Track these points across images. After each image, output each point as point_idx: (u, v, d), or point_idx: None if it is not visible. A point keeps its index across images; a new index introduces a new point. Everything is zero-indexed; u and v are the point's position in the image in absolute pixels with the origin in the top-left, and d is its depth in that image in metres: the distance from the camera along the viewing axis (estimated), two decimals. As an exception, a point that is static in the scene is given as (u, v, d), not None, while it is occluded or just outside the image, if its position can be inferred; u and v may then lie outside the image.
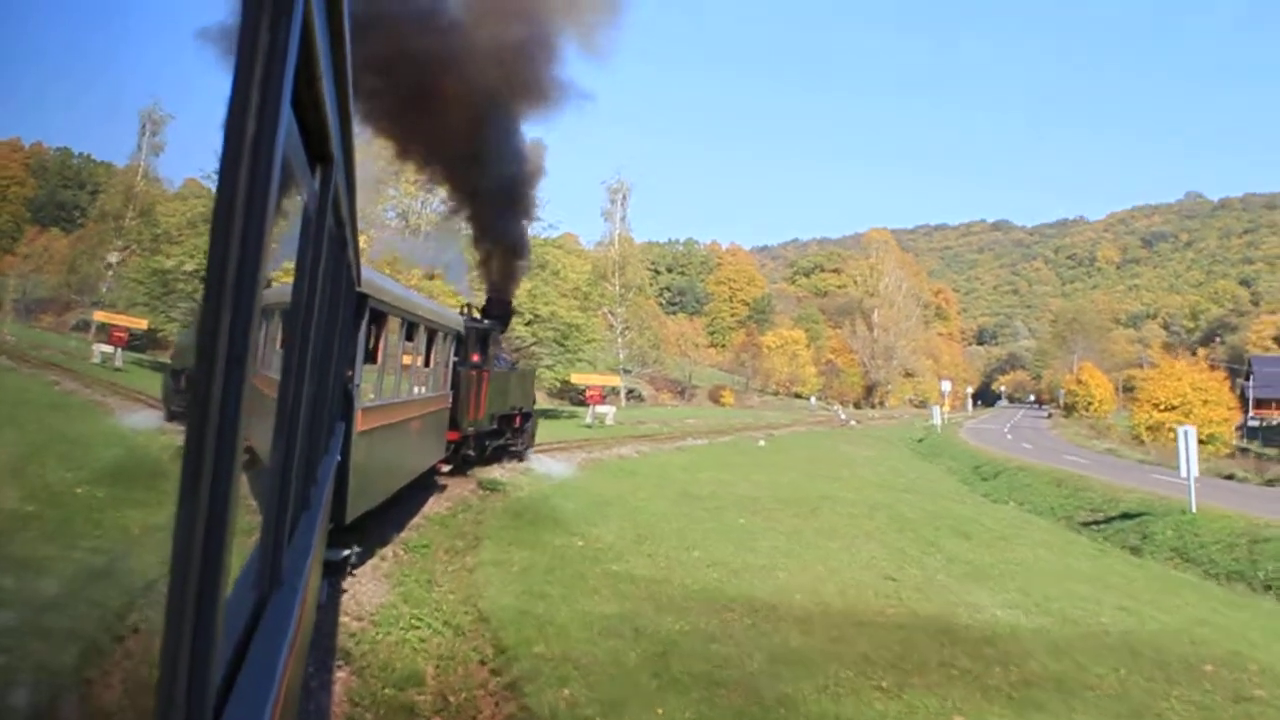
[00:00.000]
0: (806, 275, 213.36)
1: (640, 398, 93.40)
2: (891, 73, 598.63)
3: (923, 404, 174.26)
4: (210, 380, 1.61)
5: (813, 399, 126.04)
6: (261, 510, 3.11)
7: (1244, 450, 67.57)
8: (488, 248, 31.23)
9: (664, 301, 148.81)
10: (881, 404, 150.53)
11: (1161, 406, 67.51)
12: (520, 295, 64.73)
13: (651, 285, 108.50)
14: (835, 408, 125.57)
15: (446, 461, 22.80)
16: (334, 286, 5.46)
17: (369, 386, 13.47)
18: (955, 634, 12.04)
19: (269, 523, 3.11)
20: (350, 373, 11.87)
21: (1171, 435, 68.01)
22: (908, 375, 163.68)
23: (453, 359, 21.68)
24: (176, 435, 1.73)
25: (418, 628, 11.34)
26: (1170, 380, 68.04)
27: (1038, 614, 13.74)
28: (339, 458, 10.26)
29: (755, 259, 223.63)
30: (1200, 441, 68.05)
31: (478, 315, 27.40)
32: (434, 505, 19.92)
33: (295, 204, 2.98)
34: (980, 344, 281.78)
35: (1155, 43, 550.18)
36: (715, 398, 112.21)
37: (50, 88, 1.29)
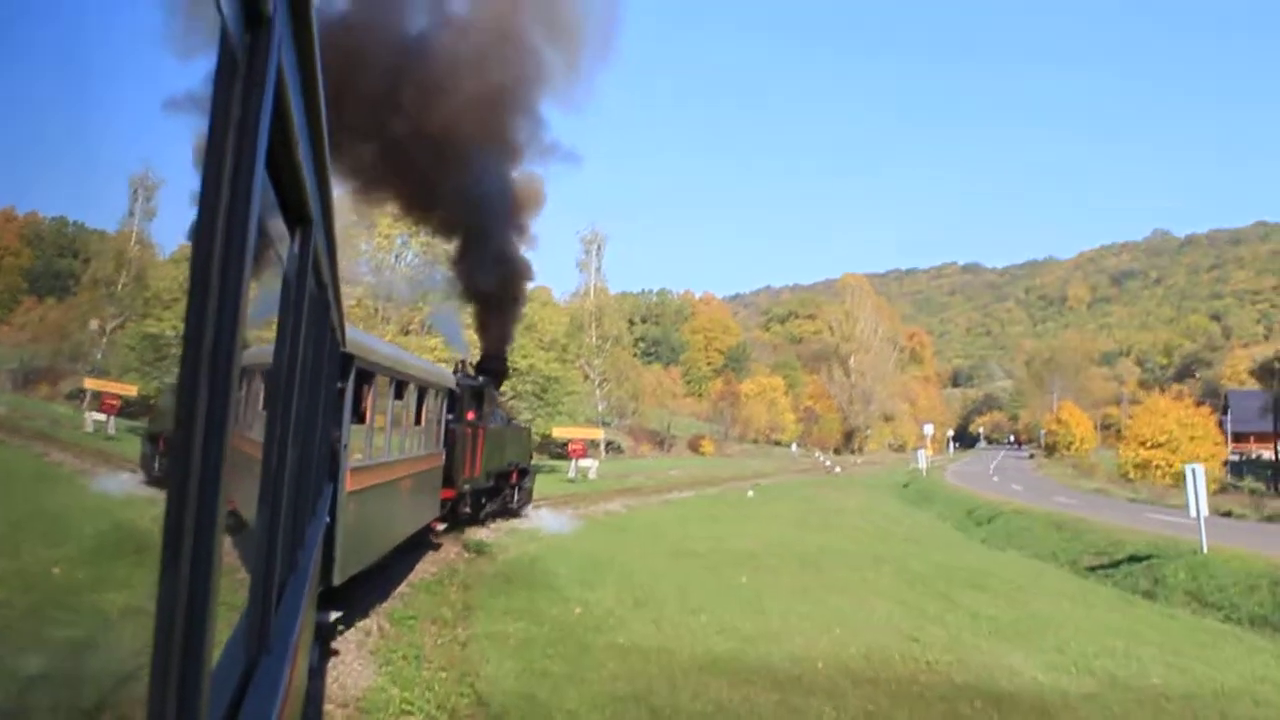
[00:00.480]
0: (781, 322, 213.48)
1: (620, 449, 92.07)
2: (858, 118, 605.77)
3: (901, 448, 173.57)
4: (190, 446, 1.63)
5: (794, 446, 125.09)
6: (249, 575, 3.09)
7: (1235, 486, 67.00)
8: (480, 305, 31.24)
9: (639, 352, 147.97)
10: (860, 449, 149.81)
11: (1148, 444, 66.95)
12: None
13: (627, 336, 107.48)
14: (817, 454, 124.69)
15: (442, 520, 22.34)
16: (317, 347, 5.43)
17: (357, 446, 13.28)
18: (1003, 704, 10.93)
19: (256, 588, 3.10)
20: (337, 433, 11.86)
21: (1159, 472, 67.79)
22: (886, 419, 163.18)
23: (446, 416, 21.41)
24: (157, 501, 1.74)
25: (410, 713, 10.22)
26: (1156, 417, 67.55)
27: (1081, 675, 12.65)
28: (327, 519, 10.19)
29: (729, 307, 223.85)
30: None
31: (471, 372, 27.35)
32: (419, 570, 18.86)
33: (274, 266, 2.95)
34: (956, 386, 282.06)
35: (1116, 81, 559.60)
36: (695, 447, 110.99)
37: (45, 158, 1.29)
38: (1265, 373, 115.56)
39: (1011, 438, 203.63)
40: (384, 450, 14.86)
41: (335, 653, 11.96)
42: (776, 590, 18.67)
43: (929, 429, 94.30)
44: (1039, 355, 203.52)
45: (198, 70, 1.78)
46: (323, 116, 2.93)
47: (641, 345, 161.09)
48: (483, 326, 31.51)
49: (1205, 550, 26.08)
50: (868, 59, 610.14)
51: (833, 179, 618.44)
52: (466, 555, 22.28)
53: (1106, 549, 30.70)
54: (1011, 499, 50.33)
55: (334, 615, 12.22)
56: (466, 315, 37.07)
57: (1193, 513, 26.85)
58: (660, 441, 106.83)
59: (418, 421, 18.13)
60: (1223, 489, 67.50)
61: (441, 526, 22.65)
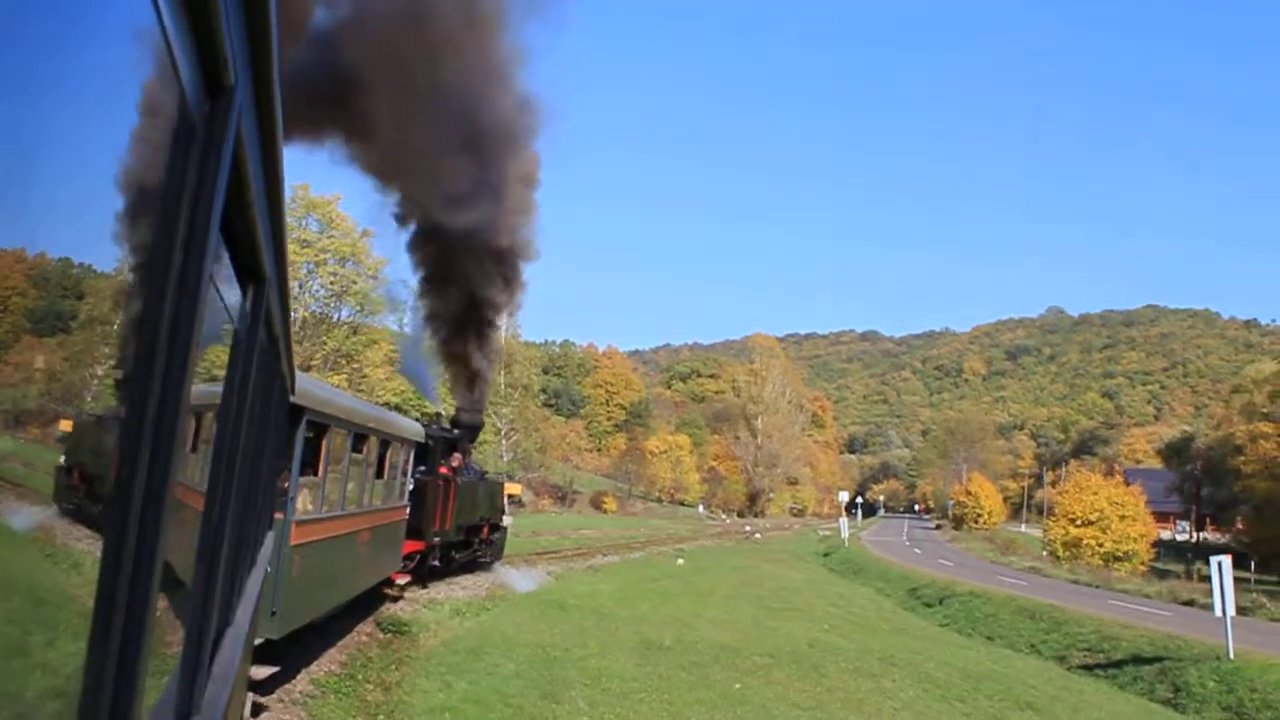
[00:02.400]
0: (683, 380, 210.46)
1: (521, 504, 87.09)
2: (760, 180, 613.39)
3: (801, 512, 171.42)
4: (129, 500, 1.64)
5: (700, 507, 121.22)
6: (182, 629, 2.99)
7: (1164, 571, 64.91)
8: (457, 362, 31.21)
9: (539, 404, 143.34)
10: (763, 512, 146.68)
11: (1078, 521, 64.53)
12: (406, 392, 59.28)
13: (536, 384, 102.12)
14: (723, 516, 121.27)
15: (406, 573, 21.98)
16: (264, 399, 5.50)
17: (307, 498, 13.11)
18: None
19: (190, 644, 3.04)
20: (286, 484, 11.94)
21: (1088, 552, 65.41)
22: (791, 483, 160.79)
23: (414, 469, 21.71)
24: (80, 545, 1.82)
25: None
26: (1086, 494, 65.18)
27: None
28: (268, 569, 9.83)
29: (628, 362, 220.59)
30: (1116, 559, 65.69)
31: (447, 425, 27.55)
32: (323, 662, 14.48)
33: (224, 320, 2.96)
34: (852, 452, 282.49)
35: (1014, 160, 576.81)
36: (597, 504, 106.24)
37: (54, 199, 1.36)
38: (1172, 453, 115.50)
39: (917, 507, 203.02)
40: (337, 503, 14.57)
41: (265, 709, 11.42)
42: (786, 706, 14.65)
43: (844, 496, 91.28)
44: (944, 425, 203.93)
45: (157, 137, 1.80)
46: (281, 179, 2.98)
47: (543, 396, 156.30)
48: (458, 381, 31.41)
49: (1232, 656, 22.78)
50: (769, 119, 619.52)
51: (735, 240, 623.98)
52: (381, 637, 18.07)
53: (1098, 645, 27.32)
54: (949, 576, 47.10)
55: (267, 672, 11.72)
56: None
57: (1218, 611, 23.62)
58: (562, 497, 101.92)
59: (379, 474, 17.92)
60: (1147, 572, 65.60)
61: (404, 580, 21.97)
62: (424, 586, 23.42)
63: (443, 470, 23.96)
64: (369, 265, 57.92)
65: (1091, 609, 33.58)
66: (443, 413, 29.89)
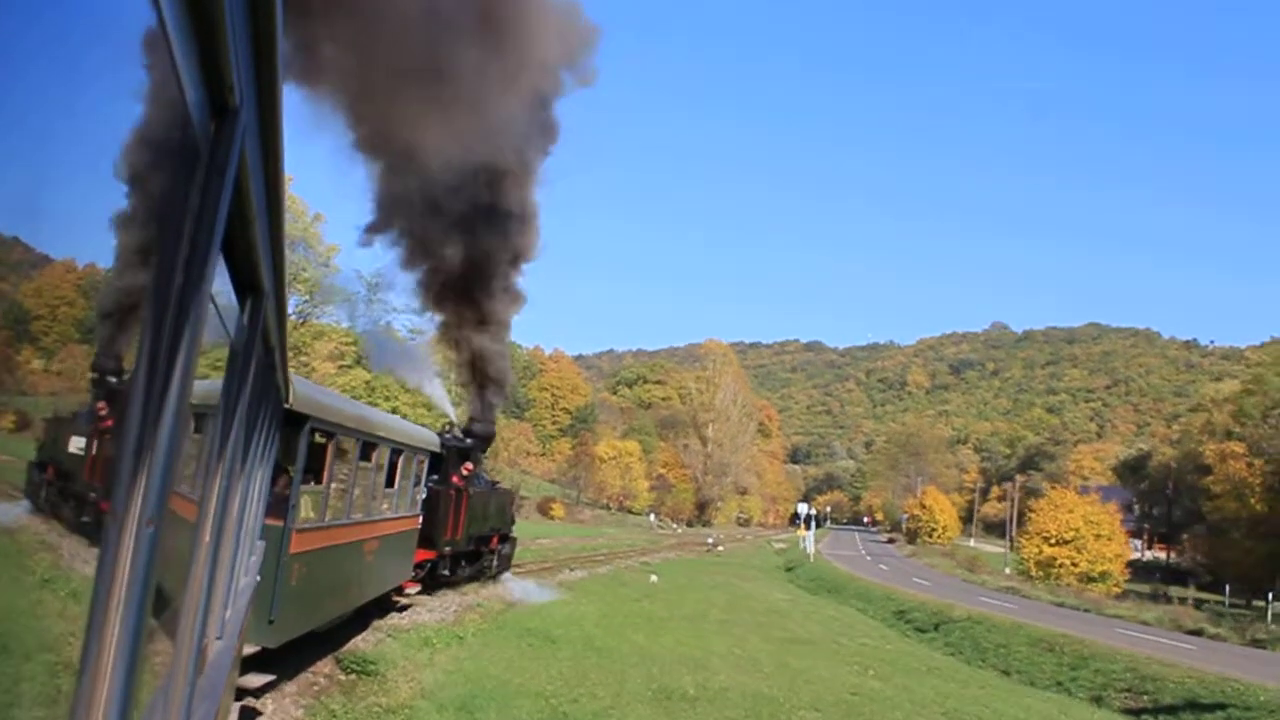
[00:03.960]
0: (630, 386, 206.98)
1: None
2: (706, 189, 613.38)
3: (747, 522, 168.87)
4: (127, 512, 1.68)
5: (651, 516, 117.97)
6: (169, 640, 2.94)
7: (1151, 594, 62.90)
8: (470, 371, 31.00)
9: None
10: (710, 522, 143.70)
11: (1052, 540, 62.28)
12: (357, 387, 55.51)
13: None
14: (673, 525, 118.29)
15: (417, 582, 22.02)
16: (259, 408, 5.59)
17: (309, 506, 12.85)
18: None
19: (179, 653, 3.06)
20: (286, 493, 11.99)
21: (1063, 572, 63.28)
22: (741, 492, 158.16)
23: (427, 478, 21.58)
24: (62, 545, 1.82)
25: None
26: (1061, 512, 62.97)
27: None
28: (258, 578, 9.79)
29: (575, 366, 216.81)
30: (1090, 579, 63.57)
31: (460, 434, 27.36)
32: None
33: (221, 331, 2.97)
34: (795, 463, 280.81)
35: (959, 175, 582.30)
36: (544, 510, 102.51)
37: (61, 216, 1.42)
38: (1128, 471, 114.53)
39: (865, 519, 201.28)
40: (343, 511, 14.43)
41: (258, 713, 11.19)
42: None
43: (803, 508, 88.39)
44: (894, 437, 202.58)
45: (163, 157, 1.84)
46: (282, 196, 2.99)
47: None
48: (471, 391, 31.17)
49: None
50: (713, 127, 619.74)
51: (681, 247, 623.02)
52: (343, 679, 14.89)
53: (1138, 685, 24.61)
54: (927, 596, 44.45)
55: (263, 680, 11.58)
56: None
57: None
58: (510, 502, 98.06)
59: (390, 483, 17.65)
60: (1124, 594, 63.56)
61: (415, 589, 22.02)
62: (430, 595, 23.24)
63: (455, 480, 23.97)
64: (320, 252, 54.08)
65: (1104, 639, 31.04)
66: (455, 421, 29.54)
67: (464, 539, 24.39)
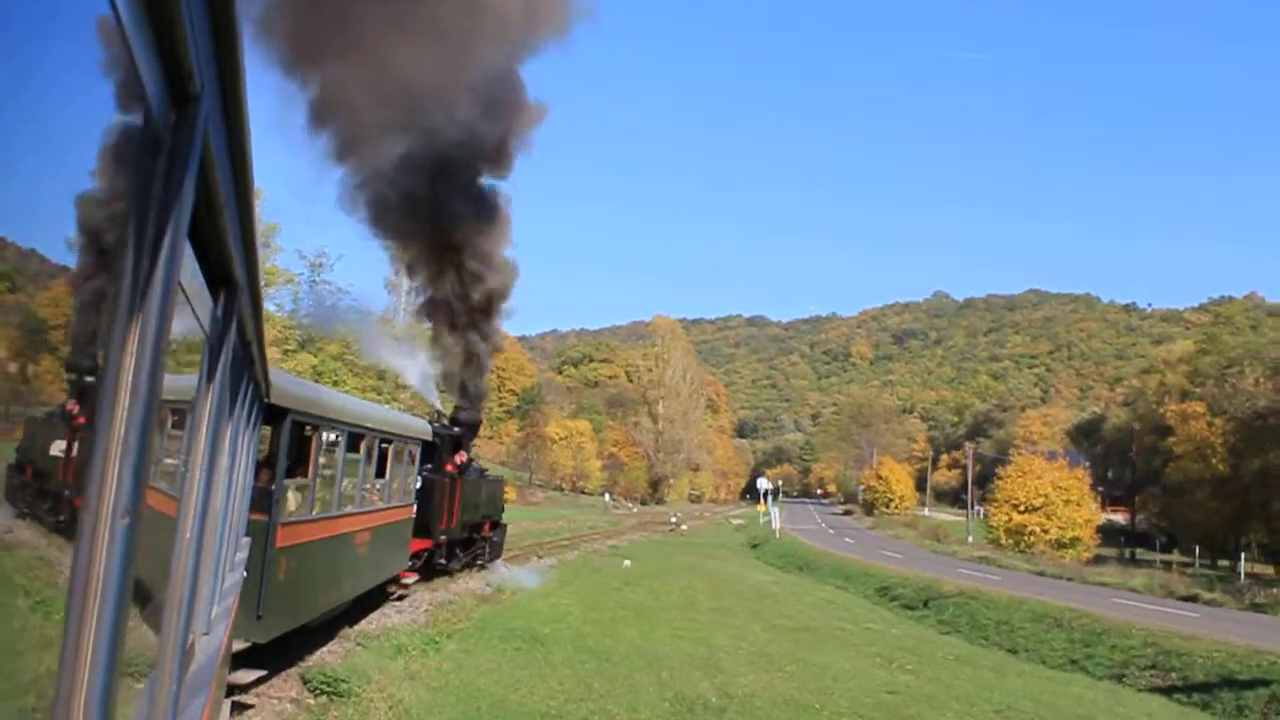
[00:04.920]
0: (575, 365, 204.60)
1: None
2: (644, 165, 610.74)
3: (699, 498, 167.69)
4: (100, 505, 1.68)
5: (606, 496, 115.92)
6: (154, 636, 2.95)
7: (1119, 558, 62.10)
8: (455, 358, 30.39)
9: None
10: (663, 500, 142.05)
11: (1021, 507, 61.15)
12: (304, 372, 52.74)
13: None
14: (628, 505, 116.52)
15: (414, 571, 22.00)
16: (238, 403, 5.54)
17: (292, 499, 12.72)
18: None
19: (164, 651, 3.02)
20: (272, 486, 11.90)
21: (1033, 539, 62.30)
22: (693, 469, 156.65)
23: (421, 467, 21.57)
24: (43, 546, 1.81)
25: None
26: (1030, 479, 61.84)
27: None
28: (244, 574, 9.55)
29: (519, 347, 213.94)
30: (1062, 545, 62.65)
31: (447, 422, 27.12)
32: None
33: (194, 325, 2.93)
34: (742, 437, 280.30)
35: (896, 144, 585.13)
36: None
37: (20, 207, 1.42)
38: (1081, 435, 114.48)
39: (818, 491, 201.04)
40: (331, 503, 14.37)
41: (250, 705, 11.08)
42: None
43: (764, 484, 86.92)
44: (846, 408, 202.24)
45: (123, 147, 1.81)
46: (250, 185, 2.93)
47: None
48: (460, 378, 30.19)
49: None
50: (650, 102, 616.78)
51: (620, 225, 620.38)
52: (312, 703, 12.69)
53: (1162, 661, 23.00)
54: (906, 570, 42.99)
55: (253, 676, 11.58)
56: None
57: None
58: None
59: (380, 473, 17.69)
60: (1096, 559, 62.74)
61: (412, 579, 21.93)
62: (450, 577, 24.17)
63: (449, 468, 24.04)
64: (261, 232, 51.07)
65: (1101, 609, 29.62)
66: (442, 410, 29.32)
67: (459, 527, 24.49)
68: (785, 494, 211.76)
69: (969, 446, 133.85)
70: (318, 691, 13.30)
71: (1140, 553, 73.40)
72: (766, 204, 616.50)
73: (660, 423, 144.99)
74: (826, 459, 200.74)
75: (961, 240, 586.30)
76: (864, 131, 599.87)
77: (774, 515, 70.13)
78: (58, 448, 1.85)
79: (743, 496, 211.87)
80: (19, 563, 1.72)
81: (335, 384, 46.81)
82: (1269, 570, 60.02)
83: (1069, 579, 44.41)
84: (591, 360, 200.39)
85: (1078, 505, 60.96)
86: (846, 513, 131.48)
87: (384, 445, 17.58)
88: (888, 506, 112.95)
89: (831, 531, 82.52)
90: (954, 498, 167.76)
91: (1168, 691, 21.73)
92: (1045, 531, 60.19)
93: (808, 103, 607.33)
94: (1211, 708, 20.08)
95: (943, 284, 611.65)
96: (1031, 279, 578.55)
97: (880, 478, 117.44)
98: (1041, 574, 46.69)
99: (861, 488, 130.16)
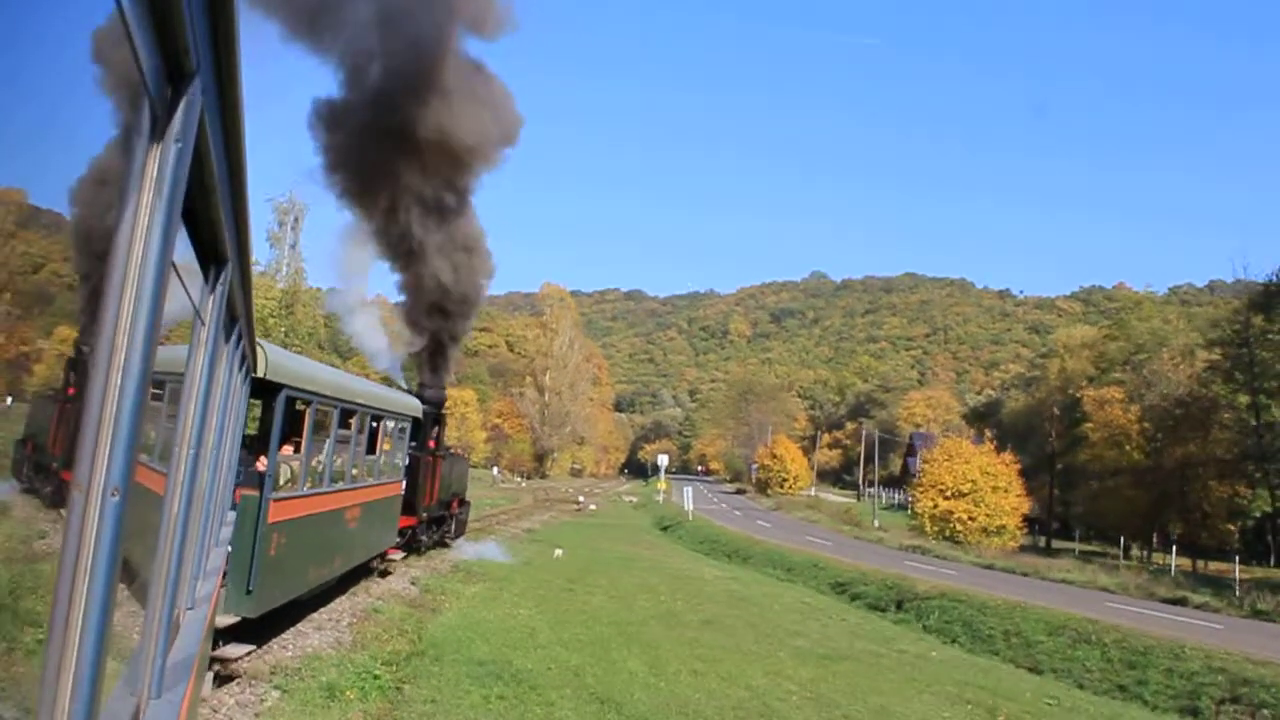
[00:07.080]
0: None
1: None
2: (519, 139, 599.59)
3: (580, 473, 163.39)
4: (90, 482, 1.69)
5: (495, 470, 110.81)
6: (142, 612, 2.98)
7: (1031, 547, 59.69)
8: (425, 336, 29.83)
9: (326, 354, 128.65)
10: (547, 475, 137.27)
11: (948, 493, 58.28)
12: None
13: (323, 332, 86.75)
14: (515, 478, 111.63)
15: (400, 548, 22.13)
16: (227, 378, 5.49)
17: (285, 475, 12.76)
18: None
19: (149, 625, 3.02)
20: (264, 463, 11.99)
21: (958, 526, 59.59)
22: (580, 443, 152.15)
23: (409, 444, 21.61)
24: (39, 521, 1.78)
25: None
26: (957, 463, 58.97)
27: None
28: (230, 548, 9.83)
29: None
30: (989, 533, 60.07)
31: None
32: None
33: (184, 301, 2.93)
34: (620, 411, 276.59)
35: (771, 123, 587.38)
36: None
37: (14, 183, 1.48)
38: (976, 417, 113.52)
39: (701, 468, 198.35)
40: (322, 479, 14.36)
41: (236, 676, 10.84)
42: None
43: (664, 459, 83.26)
44: (736, 384, 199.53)
45: (118, 122, 1.84)
46: (244, 163, 2.94)
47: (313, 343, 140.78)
48: (426, 358, 29.76)
49: None
50: (522, 72, 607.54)
51: (495, 193, 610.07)
52: None
53: (1245, 693, 19.51)
54: (842, 559, 39.73)
55: (243, 650, 11.39)
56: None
57: None
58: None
59: (371, 450, 17.73)
60: (1021, 548, 60.42)
61: (399, 555, 22.08)
62: (420, 555, 24.22)
63: (431, 444, 24.59)
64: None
65: (1097, 615, 26.36)
66: (408, 388, 28.26)
67: (436, 504, 24.95)
68: (667, 470, 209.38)
69: (863, 427, 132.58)
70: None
71: (1059, 542, 71.75)
72: (644, 177, 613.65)
73: (547, 394, 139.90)
74: (709, 435, 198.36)
75: (839, 221, 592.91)
76: (744, 106, 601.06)
77: (687, 496, 66.15)
78: (47, 417, 1.74)
79: (621, 471, 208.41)
80: (6, 533, 1.73)
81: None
82: (1185, 563, 58.37)
83: (1024, 574, 41.36)
84: (471, 329, 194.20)
85: (1005, 492, 58.29)
86: (739, 491, 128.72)
87: (375, 422, 17.40)
88: (782, 486, 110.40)
89: (738, 513, 79.08)
90: (836, 477, 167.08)
91: (1192, 713, 18.46)
92: (972, 519, 57.41)
93: (689, 75, 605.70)
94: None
95: (820, 264, 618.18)
96: (908, 263, 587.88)
97: (775, 456, 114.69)
98: (991, 567, 43.63)
99: (755, 466, 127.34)
